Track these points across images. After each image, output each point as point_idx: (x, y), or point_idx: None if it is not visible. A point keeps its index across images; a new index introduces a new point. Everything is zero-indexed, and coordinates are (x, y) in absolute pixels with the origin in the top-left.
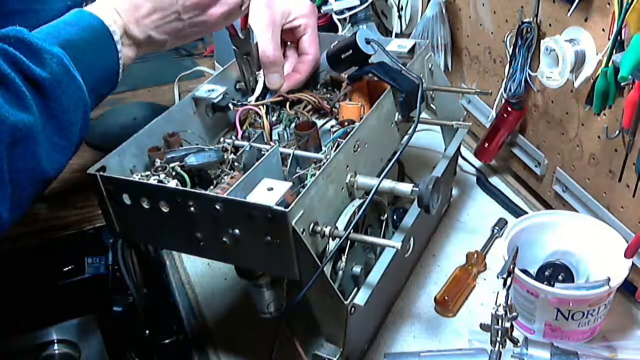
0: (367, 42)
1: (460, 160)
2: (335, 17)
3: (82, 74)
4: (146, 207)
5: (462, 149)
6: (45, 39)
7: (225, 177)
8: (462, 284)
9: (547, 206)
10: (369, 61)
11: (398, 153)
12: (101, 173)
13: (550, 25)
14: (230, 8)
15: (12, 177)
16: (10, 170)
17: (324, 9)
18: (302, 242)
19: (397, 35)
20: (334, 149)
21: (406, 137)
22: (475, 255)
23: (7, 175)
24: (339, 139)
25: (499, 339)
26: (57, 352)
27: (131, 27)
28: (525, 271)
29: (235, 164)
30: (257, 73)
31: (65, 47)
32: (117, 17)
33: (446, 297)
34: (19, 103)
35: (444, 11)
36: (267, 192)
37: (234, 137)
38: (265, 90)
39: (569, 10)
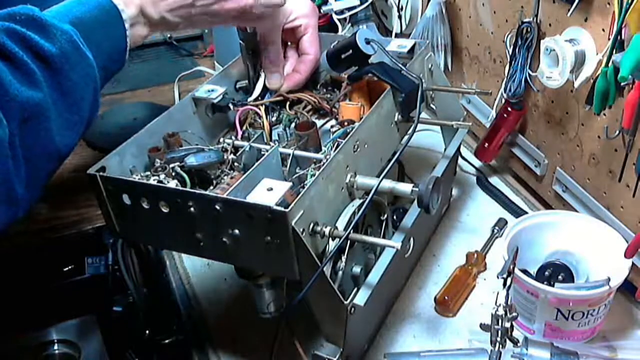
0: (367, 42)
1: (460, 160)
2: (335, 17)
3: (92, 51)
4: (146, 207)
5: (462, 149)
6: (56, 16)
7: (225, 177)
8: (462, 284)
9: (547, 206)
10: (369, 61)
11: (398, 153)
12: (101, 173)
13: (550, 25)
14: (241, 6)
15: (26, 155)
16: (23, 147)
17: (324, 9)
18: (302, 242)
19: (397, 35)
20: (333, 149)
21: (406, 137)
22: (475, 255)
23: (20, 153)
24: (338, 139)
25: (499, 339)
26: (57, 352)
27: (148, 8)
28: (525, 271)
29: (235, 164)
30: (260, 71)
31: (76, 24)
32: None
33: (446, 297)
34: (28, 80)
35: (444, 11)
36: (267, 192)
37: (233, 138)
38: (265, 90)
39: (569, 10)
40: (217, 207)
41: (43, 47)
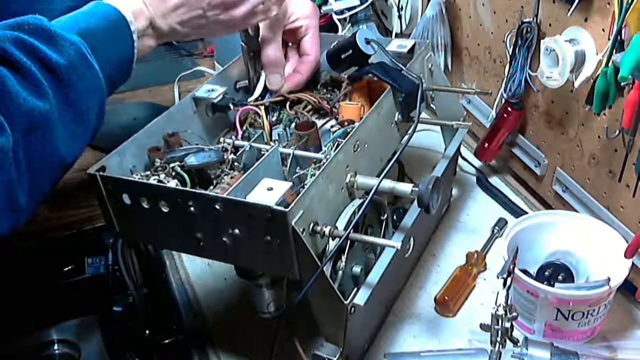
0: (367, 42)
1: (460, 160)
2: (335, 17)
3: (99, 62)
4: (146, 207)
5: (462, 149)
6: (64, 27)
7: (225, 177)
8: (462, 284)
9: (547, 206)
10: (369, 61)
11: (398, 153)
12: (101, 173)
13: (550, 25)
14: (252, 7)
15: (30, 164)
16: (27, 157)
17: (324, 9)
18: (302, 242)
19: (397, 35)
20: (334, 149)
21: (406, 137)
22: (475, 255)
23: (24, 162)
24: (339, 139)
25: (499, 339)
26: (57, 352)
27: (158, 20)
28: (525, 271)
29: (235, 164)
30: (260, 72)
31: (84, 35)
32: (145, 9)
33: (446, 297)
34: (35, 90)
35: (444, 11)
36: (267, 192)
37: (234, 137)
38: (265, 90)
39: (569, 10)
40: (217, 207)
41: (51, 58)
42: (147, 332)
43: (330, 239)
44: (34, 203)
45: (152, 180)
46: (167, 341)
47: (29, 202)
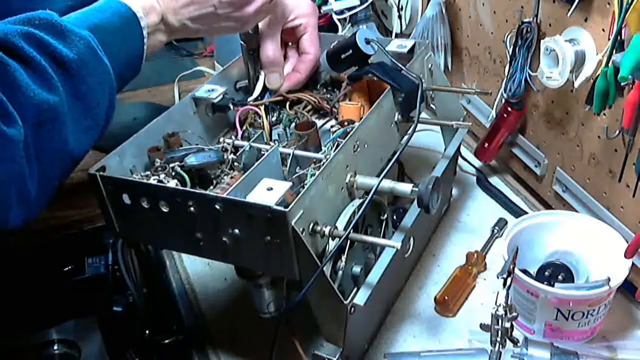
0: (367, 42)
1: (460, 160)
2: (335, 17)
3: (109, 57)
4: (146, 207)
5: (462, 149)
6: (75, 23)
7: (225, 177)
8: (462, 284)
9: (547, 206)
10: (369, 61)
11: (398, 153)
12: (101, 173)
13: (550, 25)
14: (262, 4)
15: (40, 157)
16: (37, 150)
17: (324, 9)
18: (302, 242)
19: (397, 35)
20: (333, 149)
21: (406, 137)
22: (475, 255)
23: (34, 155)
24: (338, 139)
25: (499, 339)
26: (57, 352)
27: (169, 15)
28: (525, 271)
29: (235, 164)
30: (259, 71)
31: (94, 31)
32: (157, 4)
33: (446, 297)
34: (45, 84)
35: (444, 11)
36: (267, 192)
37: (233, 137)
38: (265, 90)
39: (569, 10)
40: (217, 207)
41: (61, 52)
42: (147, 332)
43: (330, 239)
44: (44, 196)
45: (152, 180)
46: (167, 341)
47: (38, 195)
